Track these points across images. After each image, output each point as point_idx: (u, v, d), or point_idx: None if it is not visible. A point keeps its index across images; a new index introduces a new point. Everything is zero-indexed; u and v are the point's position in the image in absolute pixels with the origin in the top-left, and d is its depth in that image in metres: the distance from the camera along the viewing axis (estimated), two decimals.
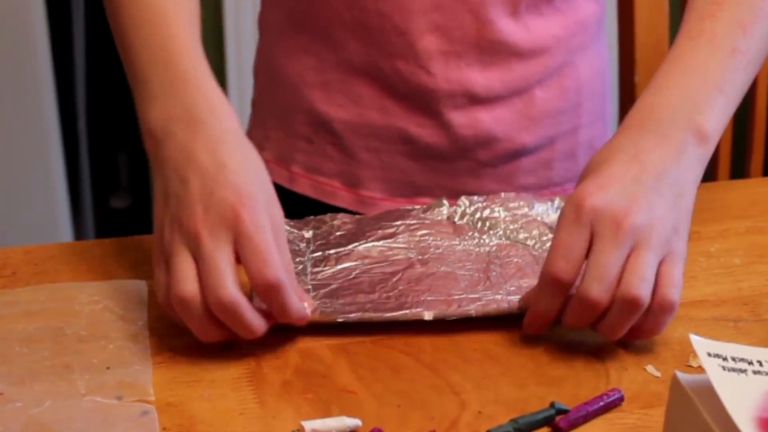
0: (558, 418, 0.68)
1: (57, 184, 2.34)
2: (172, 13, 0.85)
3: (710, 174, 1.44)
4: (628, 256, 0.75)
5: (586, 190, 0.77)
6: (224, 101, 0.81)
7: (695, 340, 0.64)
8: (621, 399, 0.70)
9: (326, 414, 0.68)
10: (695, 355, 0.75)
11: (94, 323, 0.78)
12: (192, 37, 0.85)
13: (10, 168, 2.29)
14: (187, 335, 0.76)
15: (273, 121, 1.12)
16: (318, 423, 0.66)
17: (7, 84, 2.23)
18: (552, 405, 0.69)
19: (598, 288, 0.74)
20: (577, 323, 0.76)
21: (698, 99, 0.83)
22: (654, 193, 0.77)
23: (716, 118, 0.83)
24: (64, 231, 2.38)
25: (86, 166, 2.54)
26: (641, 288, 0.73)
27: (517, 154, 1.07)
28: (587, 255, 0.75)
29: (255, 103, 1.18)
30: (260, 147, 1.14)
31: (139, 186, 2.67)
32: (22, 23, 2.19)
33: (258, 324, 0.74)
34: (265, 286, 0.73)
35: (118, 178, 2.75)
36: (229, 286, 0.72)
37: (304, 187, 1.11)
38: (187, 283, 0.73)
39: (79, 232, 2.51)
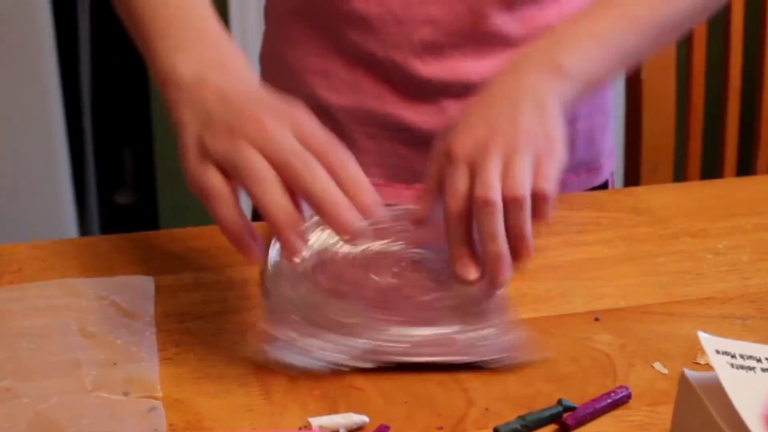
0: (565, 415, 0.68)
1: (62, 180, 2.35)
2: None
3: (717, 171, 1.44)
4: (507, 167, 0.78)
5: (450, 138, 0.82)
6: (246, 60, 0.84)
7: (703, 337, 0.64)
8: (628, 396, 0.70)
9: (333, 410, 0.68)
10: (703, 353, 0.75)
11: (101, 319, 0.78)
12: (206, 5, 0.87)
13: (15, 164, 2.29)
14: (194, 332, 0.77)
15: None
16: (325, 419, 0.66)
17: (13, 80, 2.24)
18: (559, 402, 0.69)
19: (484, 189, 0.77)
20: (487, 230, 0.77)
21: (565, 41, 0.88)
22: (512, 113, 0.82)
23: (581, 59, 0.87)
24: (70, 227, 2.38)
25: (91, 162, 2.54)
26: (517, 187, 0.77)
27: None
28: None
29: None
30: None
31: (144, 182, 2.68)
32: (27, 20, 2.20)
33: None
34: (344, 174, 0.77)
35: (123, 174, 2.75)
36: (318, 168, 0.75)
37: None
38: (264, 169, 0.73)
39: (84, 228, 2.51)
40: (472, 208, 0.78)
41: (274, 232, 0.73)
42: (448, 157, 0.81)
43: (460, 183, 0.79)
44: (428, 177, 0.84)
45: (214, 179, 0.74)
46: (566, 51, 0.87)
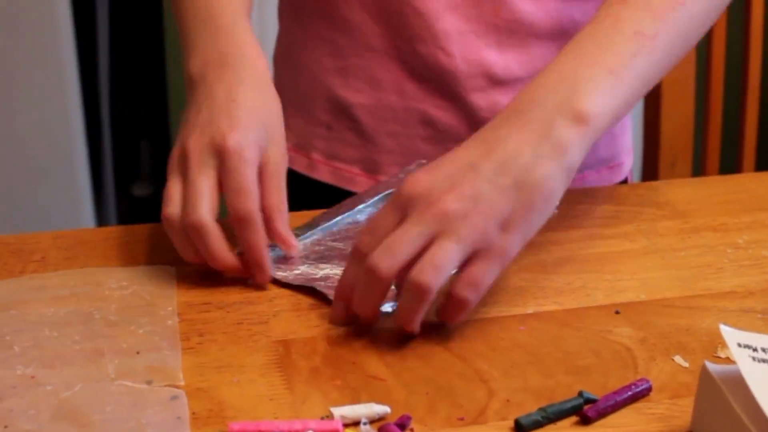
0: (586, 407, 0.68)
1: (80, 172, 2.35)
2: None
3: (735, 166, 1.44)
4: (433, 244, 0.72)
5: (413, 176, 0.75)
6: (256, 50, 0.87)
7: (725, 330, 0.64)
8: (649, 389, 0.70)
9: (355, 401, 0.68)
10: (723, 346, 0.75)
11: (124, 308, 0.78)
12: (236, 2, 0.91)
13: (34, 156, 2.30)
14: (216, 321, 0.77)
15: (292, 108, 1.13)
16: (347, 409, 0.66)
17: (32, 73, 2.25)
18: (580, 394, 0.69)
19: (384, 257, 0.72)
20: (363, 299, 0.74)
21: (580, 79, 0.78)
22: (487, 182, 0.73)
23: (602, 99, 0.77)
24: (87, 218, 2.39)
25: (109, 155, 2.55)
26: (428, 274, 0.71)
27: None
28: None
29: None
30: None
31: (161, 174, 2.68)
32: (47, 13, 2.20)
33: (222, 254, 0.80)
34: (236, 218, 0.79)
35: (139, 167, 2.76)
36: (200, 210, 0.79)
37: (323, 173, 1.11)
38: (170, 204, 0.80)
39: (101, 220, 2.52)
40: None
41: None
42: (396, 192, 0.75)
43: (380, 222, 0.75)
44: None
45: (173, 192, 0.81)
46: (583, 93, 0.77)
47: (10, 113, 2.26)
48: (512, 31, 1.02)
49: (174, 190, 0.81)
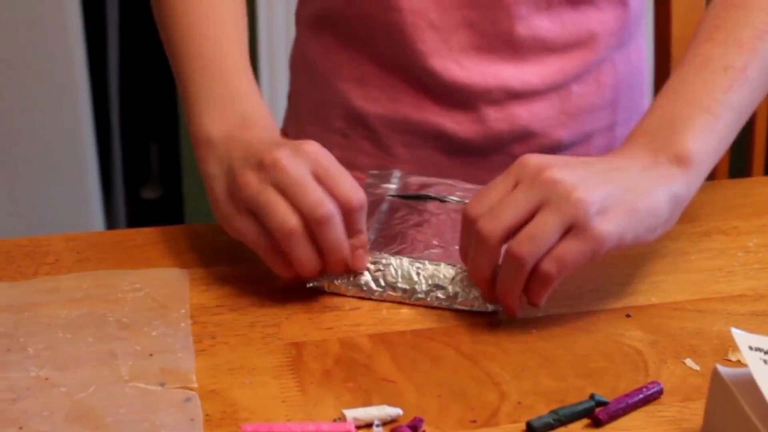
0: (598, 409, 0.68)
1: (89, 174, 2.36)
2: (221, 27, 0.91)
3: (745, 170, 1.44)
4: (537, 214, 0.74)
5: (533, 154, 0.78)
6: (269, 114, 0.87)
7: (737, 333, 0.64)
8: (660, 392, 0.70)
9: (367, 403, 0.69)
10: (734, 349, 0.75)
11: (137, 310, 0.79)
12: (241, 53, 0.90)
13: (44, 158, 2.31)
14: (229, 324, 0.77)
15: (309, 115, 1.13)
16: (359, 411, 0.67)
17: (42, 76, 2.25)
18: (592, 397, 0.69)
19: (486, 219, 0.75)
20: (476, 262, 0.76)
21: (678, 121, 0.81)
22: (597, 173, 0.76)
23: (701, 138, 0.80)
24: (96, 221, 2.40)
25: (118, 157, 2.56)
26: (524, 245, 0.73)
27: (553, 149, 1.08)
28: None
29: (291, 98, 1.19)
30: None
31: (170, 177, 2.69)
32: (56, 16, 2.21)
33: (345, 243, 0.78)
34: (314, 220, 0.76)
35: (149, 169, 2.77)
36: (326, 201, 0.76)
37: None
38: (288, 215, 0.76)
39: (110, 223, 2.53)
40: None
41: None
42: (516, 164, 0.77)
43: (493, 192, 0.77)
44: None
45: (244, 226, 0.79)
46: (683, 135, 0.80)
47: (20, 115, 2.27)
48: (528, 46, 1.02)
49: (278, 201, 0.77)
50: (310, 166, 0.78)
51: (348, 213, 0.78)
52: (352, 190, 0.78)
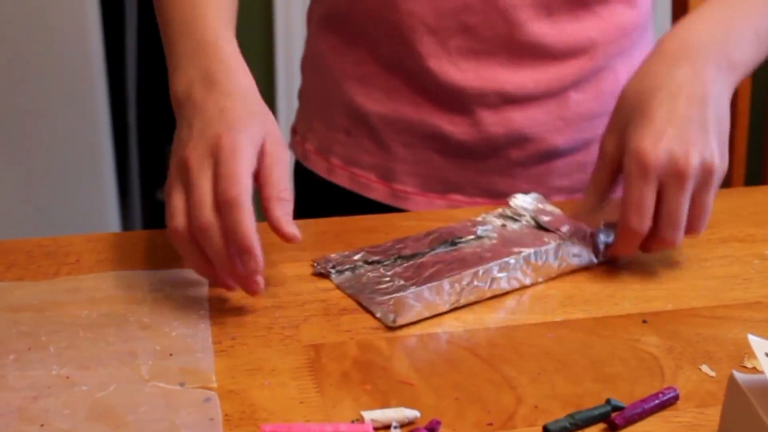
0: (614, 414, 0.69)
1: (106, 175, 2.37)
2: None
3: (761, 178, 1.44)
4: (696, 199, 0.84)
5: (644, 142, 0.83)
6: (240, 64, 0.85)
7: (753, 340, 0.65)
8: (676, 397, 0.71)
9: (385, 405, 0.69)
10: (750, 356, 0.76)
11: (157, 311, 0.79)
12: (218, 12, 0.89)
13: (61, 159, 2.32)
14: (248, 325, 0.78)
15: (316, 113, 1.14)
16: (377, 413, 0.67)
17: (61, 79, 2.26)
18: (608, 401, 0.69)
19: (672, 233, 0.84)
20: (657, 248, 0.87)
21: (733, 34, 0.90)
22: (703, 128, 0.84)
23: (747, 54, 0.91)
24: (112, 222, 2.41)
25: (135, 159, 2.57)
26: (701, 227, 0.86)
27: (550, 155, 1.08)
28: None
29: (301, 96, 1.20)
30: (304, 138, 1.16)
31: None
32: (75, 17, 2.22)
33: (225, 254, 0.77)
34: (222, 203, 0.76)
35: (165, 172, 2.78)
36: (207, 211, 0.76)
37: (341, 178, 1.12)
38: (176, 216, 0.78)
39: (126, 224, 2.54)
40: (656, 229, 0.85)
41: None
42: (639, 165, 0.83)
43: (648, 201, 0.83)
44: (601, 165, 0.89)
45: (177, 204, 0.79)
46: (736, 46, 0.90)
47: (38, 118, 2.28)
48: (526, 52, 1.02)
49: (177, 200, 0.79)
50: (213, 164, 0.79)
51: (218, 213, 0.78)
52: (227, 189, 0.78)
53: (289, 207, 0.80)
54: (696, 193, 0.84)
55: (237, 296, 0.82)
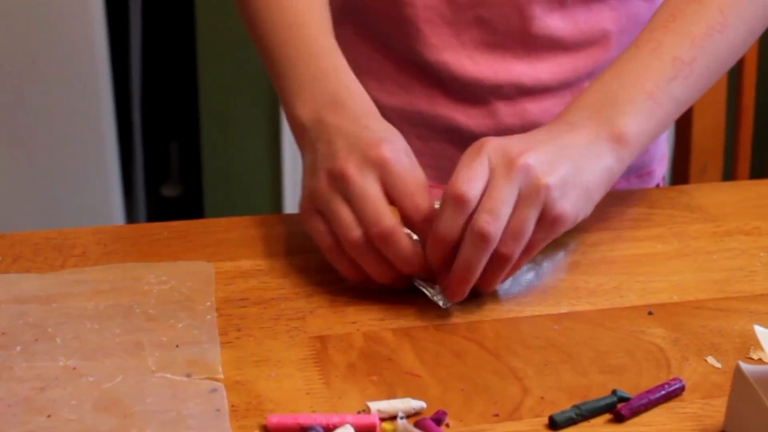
0: (620, 405, 0.69)
1: (111, 172, 2.38)
2: (307, 15, 0.92)
3: (765, 171, 1.44)
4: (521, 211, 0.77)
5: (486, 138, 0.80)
6: (361, 89, 0.87)
7: (759, 330, 0.65)
8: (682, 388, 0.71)
9: (391, 396, 0.69)
10: (756, 348, 0.76)
11: (163, 302, 0.80)
12: (328, 36, 0.91)
13: (66, 156, 2.32)
14: (254, 317, 0.78)
15: None
16: (384, 404, 0.67)
17: (66, 76, 2.27)
18: (614, 392, 0.70)
19: (487, 219, 0.75)
20: (471, 259, 0.76)
21: (621, 101, 0.84)
22: (556, 153, 0.79)
23: (639, 122, 0.83)
24: (117, 218, 2.42)
25: (139, 155, 2.57)
26: (488, 222, 0.76)
27: None
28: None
29: None
30: None
31: (190, 175, 2.70)
32: (80, 14, 2.23)
33: (418, 256, 0.78)
34: (421, 219, 0.78)
35: (169, 168, 2.78)
36: (387, 216, 0.77)
37: None
38: (351, 227, 0.78)
39: (130, 220, 2.55)
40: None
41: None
42: (473, 147, 0.80)
43: (476, 171, 0.78)
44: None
45: (313, 225, 0.81)
46: (622, 114, 0.83)
47: (43, 114, 2.28)
48: (540, 44, 1.03)
49: (343, 212, 0.78)
50: (379, 175, 0.79)
51: (413, 224, 0.79)
52: (417, 199, 0.79)
53: None
54: (519, 207, 0.77)
55: (243, 288, 0.82)
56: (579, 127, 0.82)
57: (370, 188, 0.78)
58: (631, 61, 0.87)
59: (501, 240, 0.76)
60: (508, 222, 0.76)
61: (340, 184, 0.79)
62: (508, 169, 0.77)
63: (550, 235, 0.79)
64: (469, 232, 0.76)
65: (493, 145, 0.78)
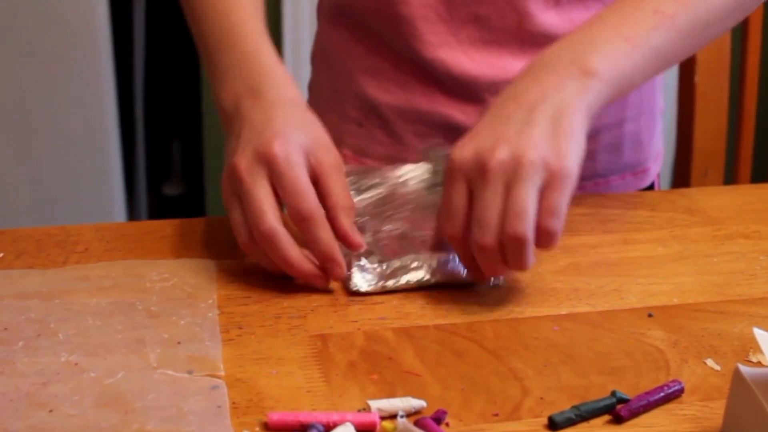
0: (619, 406, 0.69)
1: (113, 170, 2.38)
2: (236, 3, 0.92)
3: (766, 175, 1.44)
4: (508, 195, 0.77)
5: (458, 146, 0.81)
6: (283, 74, 0.88)
7: (759, 333, 0.65)
8: (681, 390, 0.71)
9: (391, 395, 0.70)
10: (755, 351, 0.76)
11: (165, 299, 0.80)
12: (253, 21, 0.91)
13: (68, 154, 2.32)
14: (255, 315, 0.78)
15: (326, 104, 1.15)
16: (384, 403, 0.68)
17: (68, 73, 2.27)
18: (613, 393, 0.70)
19: (480, 233, 0.77)
20: (488, 269, 0.80)
21: (595, 41, 0.84)
22: (524, 123, 0.79)
23: (613, 59, 0.84)
24: (119, 216, 2.42)
25: (141, 154, 2.57)
26: (519, 225, 0.76)
27: None
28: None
29: (311, 87, 1.20)
30: None
31: (192, 174, 2.70)
32: (83, 11, 2.23)
33: (297, 258, 0.80)
34: (299, 218, 0.80)
35: (171, 166, 2.78)
36: (266, 218, 0.79)
37: None
38: (241, 233, 0.81)
39: (132, 218, 2.55)
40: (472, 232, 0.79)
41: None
42: (447, 169, 0.81)
43: (455, 201, 0.80)
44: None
45: (236, 218, 0.81)
46: (595, 52, 0.83)
47: (46, 112, 2.29)
48: (536, 42, 1.03)
49: (237, 216, 0.81)
50: (267, 173, 0.81)
51: (294, 224, 0.81)
52: (295, 199, 0.80)
53: (353, 215, 0.84)
54: (510, 189, 0.77)
55: (245, 286, 0.82)
56: (546, 74, 0.82)
57: (256, 188, 0.80)
58: (610, 11, 0.88)
59: (505, 223, 0.77)
60: (506, 206, 0.77)
61: (234, 182, 0.81)
62: (483, 178, 0.78)
63: (563, 191, 0.77)
64: (473, 247, 0.79)
65: (463, 159, 0.79)
